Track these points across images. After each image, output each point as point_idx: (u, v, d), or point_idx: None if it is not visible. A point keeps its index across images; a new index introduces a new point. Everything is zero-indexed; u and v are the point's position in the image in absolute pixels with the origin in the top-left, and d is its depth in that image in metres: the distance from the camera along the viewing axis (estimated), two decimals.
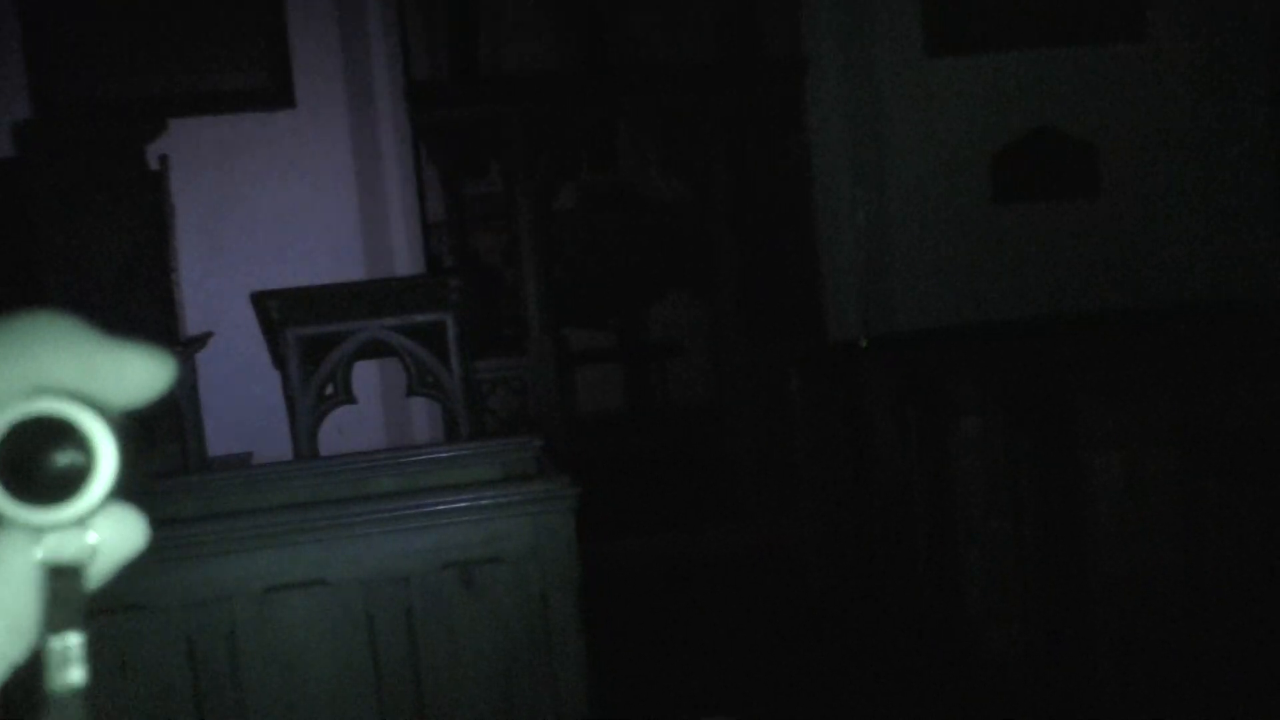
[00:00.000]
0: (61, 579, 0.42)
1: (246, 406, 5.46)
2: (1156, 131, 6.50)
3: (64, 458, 0.42)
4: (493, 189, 7.29)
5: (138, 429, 0.44)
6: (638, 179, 8.77)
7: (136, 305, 4.81)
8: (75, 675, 0.42)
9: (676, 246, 8.26)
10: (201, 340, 5.27)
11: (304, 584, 2.61)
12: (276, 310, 4.38)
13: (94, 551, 0.43)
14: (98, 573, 0.44)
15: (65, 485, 0.42)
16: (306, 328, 4.41)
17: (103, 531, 0.43)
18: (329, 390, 4.54)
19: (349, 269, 5.72)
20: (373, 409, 5.58)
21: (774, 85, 6.63)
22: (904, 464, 4.54)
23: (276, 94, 5.71)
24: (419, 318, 4.51)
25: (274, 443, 5.08)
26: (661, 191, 8.50)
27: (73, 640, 0.42)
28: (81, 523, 0.42)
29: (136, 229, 4.88)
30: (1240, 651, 2.98)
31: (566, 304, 7.54)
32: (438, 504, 2.69)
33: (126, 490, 0.43)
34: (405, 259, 5.92)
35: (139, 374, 0.45)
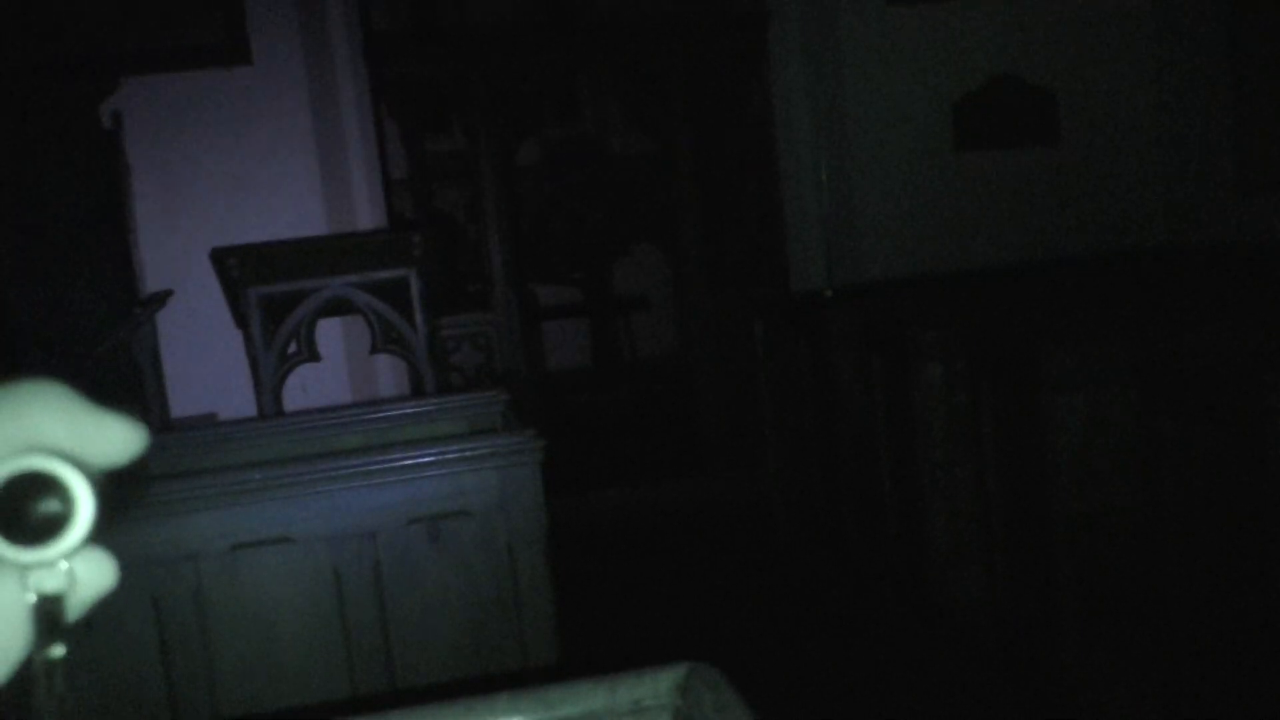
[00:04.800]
0: (46, 605, 0.51)
1: (209, 366, 5.43)
2: (1115, 79, 6.52)
3: (49, 506, 0.50)
4: (455, 144, 7.24)
5: (113, 485, 0.52)
6: (601, 133, 8.72)
7: (95, 265, 4.76)
8: (59, 684, 0.50)
9: (640, 200, 8.25)
10: (161, 299, 5.22)
11: (270, 541, 2.61)
12: (236, 268, 4.34)
13: (72, 584, 0.51)
14: (78, 605, 0.52)
15: (49, 530, 0.50)
16: (268, 286, 4.37)
17: (81, 570, 0.51)
18: (292, 348, 4.51)
19: (310, 226, 5.68)
20: (337, 366, 5.56)
21: (736, 37, 6.60)
22: (868, 411, 4.57)
23: (232, 50, 5.63)
24: (382, 274, 4.48)
25: (238, 402, 5.06)
26: (625, 145, 8.46)
27: (56, 655, 0.51)
28: (61, 561, 0.50)
29: (92, 188, 4.82)
30: (1197, 588, 3.04)
31: (531, 259, 7.51)
32: (404, 459, 2.69)
33: (100, 534, 0.51)
34: (367, 215, 5.89)
35: (117, 438, 0.52)
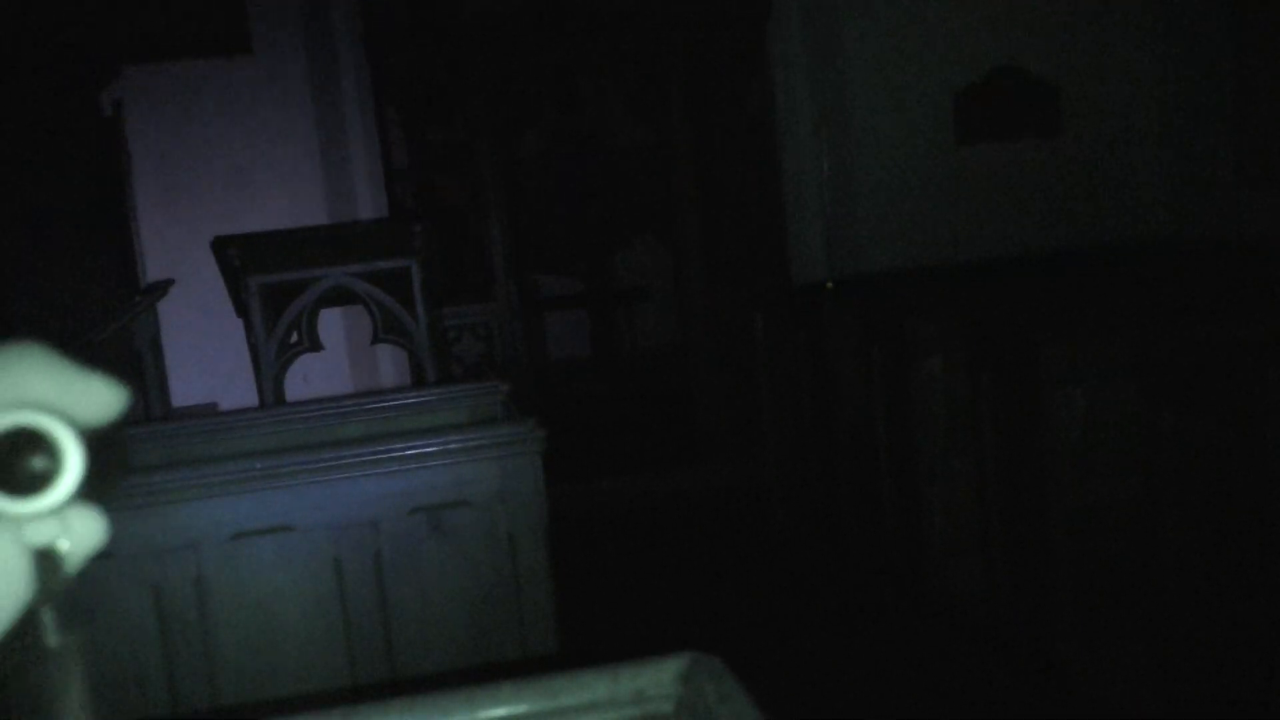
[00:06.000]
0: (45, 562, 0.53)
1: (210, 355, 5.44)
2: (1117, 70, 6.51)
3: (39, 462, 0.52)
4: (456, 135, 7.23)
5: (107, 444, 0.55)
6: (601, 124, 8.71)
7: (95, 254, 4.75)
8: (61, 637, 0.54)
9: (641, 191, 8.24)
10: (162, 288, 5.22)
11: (271, 530, 2.62)
12: (238, 257, 4.34)
13: (66, 538, 0.53)
14: (72, 560, 0.54)
15: (40, 485, 0.52)
16: (269, 275, 4.38)
17: (74, 526, 0.53)
18: (293, 338, 4.51)
19: (311, 215, 5.68)
20: (338, 356, 5.56)
21: (736, 29, 6.59)
22: (867, 404, 4.57)
23: (233, 39, 5.63)
24: (383, 264, 4.48)
25: (239, 391, 5.06)
26: (625, 136, 8.46)
27: (54, 610, 0.53)
28: (53, 515, 0.52)
29: (92, 177, 4.81)
30: (1195, 582, 3.04)
31: (531, 250, 7.51)
32: (405, 449, 2.70)
33: (93, 494, 0.53)
34: (368, 205, 5.89)
35: (101, 398, 0.55)
